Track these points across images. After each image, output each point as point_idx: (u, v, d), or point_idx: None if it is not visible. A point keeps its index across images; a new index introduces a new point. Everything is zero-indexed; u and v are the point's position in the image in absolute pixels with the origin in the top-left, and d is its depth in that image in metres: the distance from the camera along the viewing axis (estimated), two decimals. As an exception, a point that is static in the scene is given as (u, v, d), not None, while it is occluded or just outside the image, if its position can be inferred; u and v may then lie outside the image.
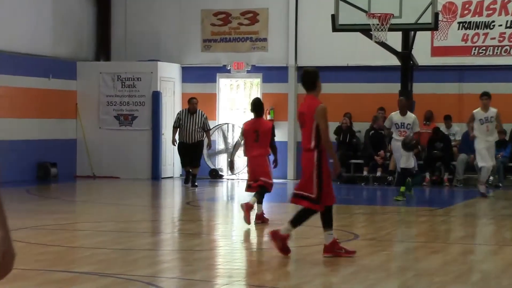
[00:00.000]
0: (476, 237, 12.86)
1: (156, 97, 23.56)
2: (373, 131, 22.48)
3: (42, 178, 22.51)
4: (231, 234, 13.23)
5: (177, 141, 21.15)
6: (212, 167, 23.71)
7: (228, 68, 24.30)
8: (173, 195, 19.95)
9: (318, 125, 9.98)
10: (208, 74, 24.37)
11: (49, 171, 22.67)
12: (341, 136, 22.90)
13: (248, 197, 13.99)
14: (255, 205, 13.37)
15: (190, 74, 24.53)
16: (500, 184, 21.60)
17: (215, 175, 23.62)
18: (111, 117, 23.96)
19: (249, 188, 13.58)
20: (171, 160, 23.62)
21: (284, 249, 10.18)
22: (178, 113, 21.50)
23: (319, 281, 8.90)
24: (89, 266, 9.73)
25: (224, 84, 24.62)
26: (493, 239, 12.94)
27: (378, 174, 22.32)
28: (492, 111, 18.40)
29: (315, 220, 14.20)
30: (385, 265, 9.81)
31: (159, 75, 23.71)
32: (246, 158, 13.96)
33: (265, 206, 18.52)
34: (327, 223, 10.26)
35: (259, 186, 13.35)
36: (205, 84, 24.29)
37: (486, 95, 18.51)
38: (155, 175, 23.44)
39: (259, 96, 24.22)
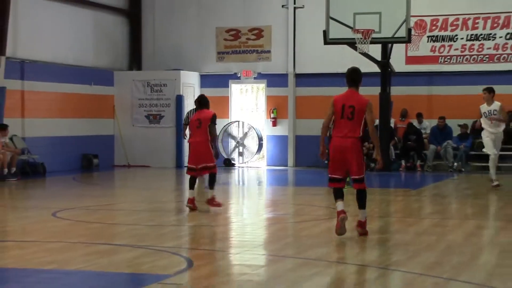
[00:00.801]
0: (442, 213, 12.85)
1: (179, 100, 23.59)
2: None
3: (86, 167, 22.54)
4: (242, 212, 13.23)
5: (187, 136, 20.98)
6: (226, 157, 23.72)
7: (238, 76, 24.29)
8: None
9: (366, 118, 9.77)
10: (222, 81, 24.36)
11: (92, 162, 22.71)
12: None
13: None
14: (213, 191, 12.69)
15: (207, 80, 24.52)
16: (463, 169, 21.58)
17: (228, 163, 23.64)
18: (142, 116, 23.98)
19: (190, 171, 12.83)
20: (192, 151, 23.65)
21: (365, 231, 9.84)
22: (187, 112, 21.35)
23: (314, 251, 8.91)
24: (126, 239, 9.76)
25: (235, 89, 24.60)
26: (457, 214, 12.94)
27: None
28: (496, 104, 15.89)
29: (311, 199, 14.23)
30: (369, 237, 9.81)
31: (181, 82, 23.72)
32: (188, 143, 13.23)
33: (270, 190, 18.57)
34: (341, 196, 9.99)
35: (210, 174, 12.74)
36: (219, 89, 24.27)
37: (485, 90, 16.10)
38: (179, 164, 23.49)
39: (263, 98, 24.28)
